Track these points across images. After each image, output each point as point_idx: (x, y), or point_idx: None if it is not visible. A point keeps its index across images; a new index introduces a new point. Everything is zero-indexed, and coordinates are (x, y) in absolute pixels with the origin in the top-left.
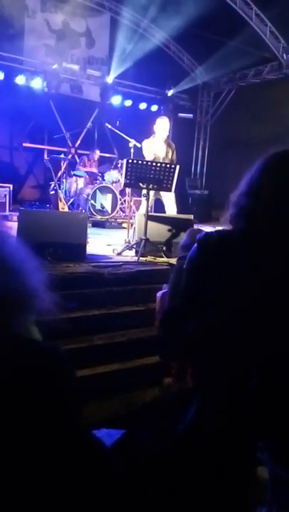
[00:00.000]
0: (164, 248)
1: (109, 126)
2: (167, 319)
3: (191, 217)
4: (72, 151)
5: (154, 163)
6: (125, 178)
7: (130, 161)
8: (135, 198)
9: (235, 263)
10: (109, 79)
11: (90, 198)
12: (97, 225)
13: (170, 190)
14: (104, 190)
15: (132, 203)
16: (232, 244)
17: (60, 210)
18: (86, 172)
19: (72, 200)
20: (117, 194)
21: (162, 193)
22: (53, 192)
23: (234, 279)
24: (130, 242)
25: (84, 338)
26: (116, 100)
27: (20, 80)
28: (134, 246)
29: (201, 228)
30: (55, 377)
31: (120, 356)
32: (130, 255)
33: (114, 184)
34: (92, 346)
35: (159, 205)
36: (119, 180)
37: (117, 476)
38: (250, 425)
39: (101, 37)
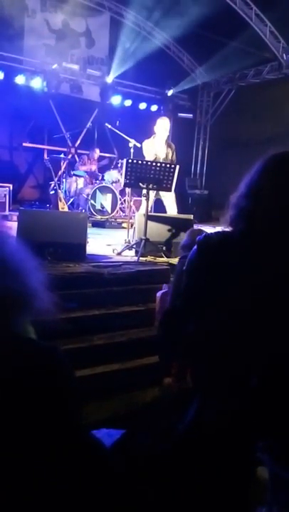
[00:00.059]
0: (164, 248)
1: (109, 126)
2: (167, 320)
3: (191, 217)
4: (72, 150)
5: (153, 163)
6: (125, 178)
7: (130, 160)
8: (135, 198)
9: (235, 264)
10: (109, 79)
11: (89, 197)
12: (97, 224)
13: (170, 190)
14: (104, 190)
15: (131, 202)
16: (232, 245)
17: (60, 210)
18: (86, 172)
19: (72, 200)
20: (117, 194)
21: (162, 193)
22: (52, 192)
23: (234, 281)
24: (130, 242)
25: (84, 338)
26: (116, 100)
27: (20, 79)
28: (134, 246)
29: (201, 228)
30: (54, 377)
31: (120, 356)
32: (130, 255)
33: (114, 184)
34: (92, 346)
35: (159, 205)
36: (119, 180)
37: (116, 476)
38: (250, 425)
39: (101, 37)
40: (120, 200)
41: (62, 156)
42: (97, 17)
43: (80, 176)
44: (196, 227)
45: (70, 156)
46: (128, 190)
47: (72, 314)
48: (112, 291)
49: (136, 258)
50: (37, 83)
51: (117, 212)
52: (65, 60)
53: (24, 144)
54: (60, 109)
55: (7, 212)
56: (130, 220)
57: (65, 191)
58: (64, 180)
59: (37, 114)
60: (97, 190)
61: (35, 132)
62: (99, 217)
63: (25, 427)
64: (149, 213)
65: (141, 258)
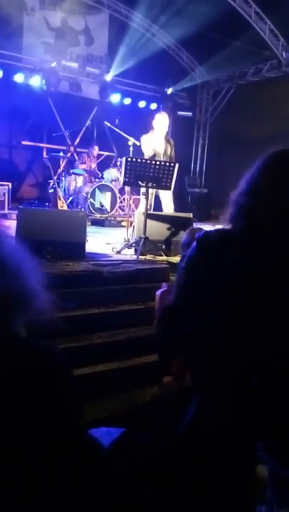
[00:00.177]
0: (164, 247)
1: (109, 125)
2: (166, 317)
3: (191, 215)
4: (72, 149)
5: (153, 162)
6: (124, 176)
7: (129, 159)
8: (134, 197)
9: (234, 261)
10: (108, 77)
11: (89, 196)
12: (97, 223)
13: (169, 189)
14: (104, 188)
15: (131, 201)
16: (231, 242)
17: (59, 208)
18: (85, 170)
19: (71, 198)
20: (117, 192)
21: (159, 190)
22: (52, 190)
23: (234, 278)
24: (129, 241)
25: (83, 336)
26: (115, 98)
27: (19, 77)
28: (134, 244)
29: (201, 227)
30: (53, 377)
31: (119, 355)
32: (129, 254)
33: (113, 182)
34: (92, 345)
35: (156, 203)
36: (118, 179)
37: (116, 476)
38: (250, 423)
39: (100, 35)
40: (120, 198)
41: (61, 154)
42: (96, 15)
43: (79, 175)
44: (195, 225)
45: (69, 155)
46: (127, 188)
47: (71, 313)
48: (112, 290)
49: (135, 257)
50: (36, 81)
51: (117, 210)
52: (64, 58)
53: (23, 142)
54: (60, 107)
55: (6, 211)
56: (129, 219)
57: (65, 190)
58: (63, 178)
59: (36, 113)
60: (97, 189)
61: (34, 130)
62: (98, 215)
63: (25, 426)
64: (149, 212)
65: (140, 256)
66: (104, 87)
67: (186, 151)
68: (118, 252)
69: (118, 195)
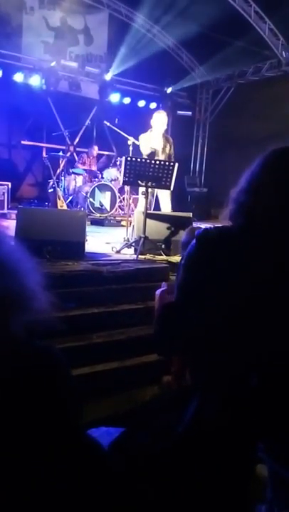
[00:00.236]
0: (163, 246)
1: (108, 124)
2: (165, 314)
3: (190, 215)
4: (71, 148)
5: (152, 161)
6: (124, 175)
7: (129, 158)
8: (134, 196)
9: (234, 259)
10: (108, 76)
11: (88, 195)
12: (96, 223)
13: (169, 188)
14: (103, 188)
15: (130, 200)
16: (231, 240)
17: (59, 208)
18: (85, 170)
19: (70, 198)
20: (116, 192)
21: (157, 190)
22: (51, 190)
23: (233, 275)
24: (129, 240)
25: (83, 336)
26: (114, 98)
27: (18, 77)
28: (133, 244)
29: (201, 226)
30: (53, 377)
31: (119, 354)
32: (129, 253)
33: (113, 182)
34: (91, 344)
35: (154, 202)
36: (118, 178)
37: (116, 476)
38: (250, 423)
39: (99, 34)
40: (119, 198)
41: (60, 154)
42: (95, 14)
43: (78, 174)
44: (195, 225)
45: (68, 154)
46: (127, 188)
47: (71, 312)
48: (111, 290)
49: (135, 256)
50: (35, 81)
51: (116, 210)
52: (63, 58)
53: (23, 142)
54: (59, 106)
55: (6, 211)
56: (129, 218)
57: (64, 189)
58: (63, 178)
59: (35, 112)
60: (96, 188)
61: (33, 130)
62: (98, 215)
63: (25, 426)
64: (148, 211)
65: (140, 256)
66: (104, 87)
67: (186, 150)
68: (118, 252)
69: (118, 194)
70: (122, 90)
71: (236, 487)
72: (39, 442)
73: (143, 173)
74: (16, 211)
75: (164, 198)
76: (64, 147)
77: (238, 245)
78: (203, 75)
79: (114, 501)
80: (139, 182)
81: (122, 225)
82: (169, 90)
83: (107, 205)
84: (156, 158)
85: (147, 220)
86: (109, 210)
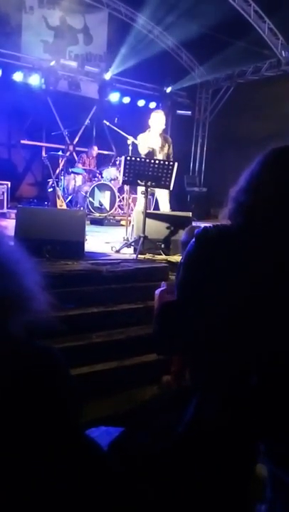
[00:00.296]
0: (163, 246)
1: (108, 124)
2: (164, 314)
3: (190, 214)
4: (71, 148)
5: (152, 160)
6: (123, 175)
7: (128, 158)
8: (133, 196)
9: (233, 258)
10: (108, 76)
11: (88, 195)
12: (96, 222)
13: (168, 188)
14: (103, 187)
15: (130, 200)
16: (230, 239)
17: (59, 207)
18: (84, 169)
19: (70, 197)
20: (116, 191)
21: (156, 189)
22: (51, 189)
23: (232, 275)
24: (129, 240)
25: (82, 335)
26: (114, 97)
27: (17, 76)
28: (133, 243)
29: (200, 225)
30: (53, 377)
31: (119, 354)
32: (129, 253)
33: (112, 181)
34: (91, 344)
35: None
36: (117, 178)
37: (115, 476)
38: (250, 423)
39: (99, 33)
40: (119, 197)
41: (60, 153)
42: (95, 13)
43: (78, 174)
44: (194, 224)
45: (68, 154)
46: (126, 187)
47: (70, 312)
48: (111, 289)
49: (134, 256)
50: (35, 80)
51: (116, 209)
52: (63, 57)
53: (22, 142)
54: (58, 106)
55: (5, 210)
56: (129, 218)
57: (64, 189)
58: (62, 177)
59: (35, 112)
60: (96, 188)
61: (33, 129)
62: (97, 214)
63: (24, 427)
64: (148, 211)
65: (139, 256)
66: (104, 86)
67: (186, 150)
68: (117, 251)
69: (117, 194)
70: (121, 90)
71: (236, 487)
72: (39, 442)
73: (142, 172)
74: (15, 210)
75: (163, 198)
76: (63, 146)
77: (237, 245)
78: (203, 75)
79: (114, 501)
80: (139, 181)
81: (122, 225)
82: (168, 90)
83: (106, 204)
84: (153, 157)
85: (147, 219)
86: (108, 209)
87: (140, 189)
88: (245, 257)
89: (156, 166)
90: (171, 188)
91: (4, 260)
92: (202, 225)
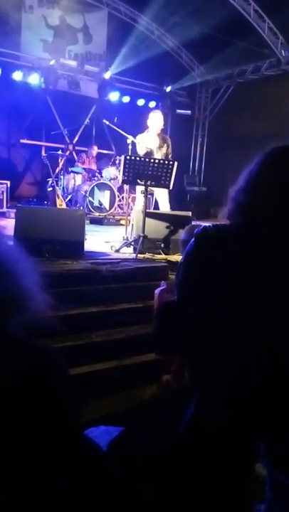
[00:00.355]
0: (162, 245)
1: (107, 123)
2: (164, 313)
3: (189, 214)
4: (70, 147)
5: (152, 160)
6: (123, 174)
7: (128, 157)
8: (133, 195)
9: (233, 258)
10: (107, 75)
11: (87, 194)
12: (95, 221)
13: (168, 187)
14: (102, 187)
15: (130, 199)
16: (230, 239)
17: (58, 206)
18: (84, 169)
19: (70, 196)
20: (115, 191)
21: (155, 189)
22: (50, 189)
23: (232, 275)
24: (128, 239)
25: (82, 335)
26: (114, 96)
27: (17, 75)
28: (132, 243)
29: (200, 225)
30: (53, 377)
31: (118, 353)
32: (128, 252)
33: (112, 181)
34: (90, 343)
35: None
36: (117, 177)
37: (115, 476)
38: (250, 423)
39: (99, 32)
40: (118, 197)
41: (60, 152)
42: (94, 13)
43: (78, 173)
44: (194, 224)
45: (67, 153)
46: (126, 187)
47: (70, 312)
48: (110, 288)
49: (134, 255)
50: (34, 79)
51: (115, 209)
52: (62, 56)
53: (22, 141)
54: (58, 105)
55: (5, 209)
56: (128, 217)
57: (63, 188)
58: (62, 177)
59: (35, 111)
60: (95, 187)
61: (32, 129)
62: (97, 214)
63: (24, 427)
64: (148, 210)
65: (139, 255)
66: (103, 85)
67: (185, 149)
68: (117, 251)
69: (117, 193)
70: (121, 89)
71: (236, 487)
72: (39, 442)
73: (142, 172)
74: (14, 210)
75: (162, 198)
76: (63, 146)
77: (236, 244)
78: (203, 75)
79: (114, 501)
80: (139, 181)
81: (122, 224)
82: (168, 89)
83: (106, 204)
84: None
85: (146, 218)
86: (108, 209)
87: (139, 188)
88: (244, 257)
89: (156, 165)
90: (170, 188)
91: (3, 260)
92: (202, 224)
